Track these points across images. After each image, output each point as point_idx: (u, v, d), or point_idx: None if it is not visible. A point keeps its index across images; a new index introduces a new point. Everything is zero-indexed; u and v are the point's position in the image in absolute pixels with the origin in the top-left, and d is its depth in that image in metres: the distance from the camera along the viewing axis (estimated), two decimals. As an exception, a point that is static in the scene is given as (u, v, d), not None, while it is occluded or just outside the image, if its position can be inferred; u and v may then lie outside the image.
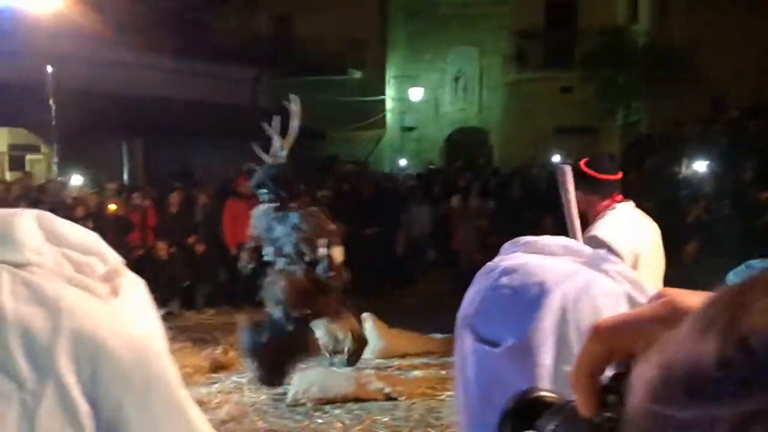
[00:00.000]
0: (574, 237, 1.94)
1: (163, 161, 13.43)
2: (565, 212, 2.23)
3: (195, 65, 15.63)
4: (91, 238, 1.33)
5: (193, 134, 13.51)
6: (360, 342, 5.90)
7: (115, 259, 1.31)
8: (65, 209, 9.91)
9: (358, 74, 20.80)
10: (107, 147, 13.37)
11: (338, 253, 5.49)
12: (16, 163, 14.57)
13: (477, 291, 1.39)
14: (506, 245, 1.50)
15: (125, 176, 14.17)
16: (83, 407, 1.12)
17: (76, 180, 11.10)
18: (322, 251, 5.36)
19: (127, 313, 1.26)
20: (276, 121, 5.84)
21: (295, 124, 5.92)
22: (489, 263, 1.45)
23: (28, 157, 14.79)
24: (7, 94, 11.95)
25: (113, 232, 9.98)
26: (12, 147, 14.54)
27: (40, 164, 14.20)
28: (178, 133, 13.24)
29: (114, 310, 1.24)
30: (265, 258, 5.60)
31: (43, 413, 1.10)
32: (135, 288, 1.33)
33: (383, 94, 21.29)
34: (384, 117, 21.34)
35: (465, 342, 1.31)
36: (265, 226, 5.56)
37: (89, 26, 12.14)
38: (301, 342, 5.53)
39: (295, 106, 5.91)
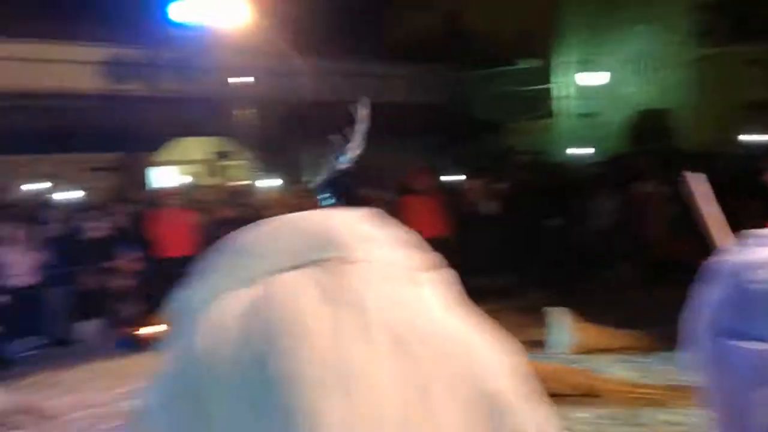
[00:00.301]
0: (715, 248, 1.82)
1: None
2: (699, 224, 2.08)
3: (371, 67, 16.16)
4: (400, 236, 1.48)
5: (374, 134, 13.96)
6: None
7: (423, 254, 1.45)
8: (262, 210, 10.65)
9: (531, 63, 20.47)
10: (299, 151, 14.18)
11: None
12: (215, 170, 15.81)
13: (722, 291, 1.35)
14: (735, 241, 1.45)
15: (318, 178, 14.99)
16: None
17: (271, 182, 11.88)
18: None
19: (437, 303, 1.39)
20: (359, 121, 5.44)
21: (360, 128, 5.43)
22: (723, 261, 1.41)
23: (226, 163, 15.98)
24: (206, 107, 13.04)
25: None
26: (214, 155, 15.80)
27: (237, 170, 15.30)
28: (366, 134, 13.76)
29: (428, 300, 1.38)
30: None
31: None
32: (439, 281, 1.46)
33: (557, 81, 20.80)
34: (558, 104, 20.85)
35: (720, 344, 1.28)
36: None
37: (280, 38, 12.92)
38: None
39: (362, 109, 5.52)
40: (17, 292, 8.66)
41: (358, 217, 1.44)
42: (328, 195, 5.43)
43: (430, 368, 1.29)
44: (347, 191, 5.43)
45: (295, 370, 1.22)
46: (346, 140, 5.41)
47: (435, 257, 1.39)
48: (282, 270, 1.36)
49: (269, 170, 12.38)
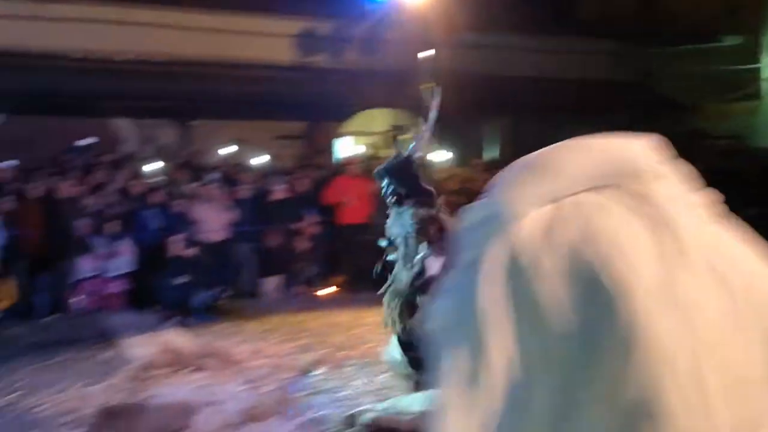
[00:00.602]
0: None
1: (533, 139, 13.76)
2: None
3: (560, 42, 15.64)
4: (684, 173, 1.49)
5: (559, 111, 13.61)
6: None
7: (701, 192, 1.46)
8: (438, 182, 10.73)
9: (733, 40, 18.81)
10: (479, 126, 14.19)
11: (434, 264, 4.66)
12: (393, 142, 16.08)
13: None
14: None
15: (493, 153, 14.89)
16: None
17: (448, 156, 11.94)
18: (417, 258, 4.77)
19: (732, 238, 1.38)
20: (433, 111, 5.24)
21: (431, 117, 5.24)
22: None
23: (402, 136, 16.21)
24: (389, 79, 13.27)
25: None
26: (392, 127, 16.07)
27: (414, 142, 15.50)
28: (545, 111, 13.47)
29: (724, 234, 1.38)
30: (388, 257, 5.09)
31: None
32: (722, 218, 1.46)
33: (761, 60, 18.97)
34: (762, 86, 19.04)
35: None
36: (389, 222, 5.07)
37: (462, 11, 12.83)
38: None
39: (434, 98, 5.33)
40: (208, 246, 9.36)
41: (652, 149, 1.47)
42: (386, 184, 5.20)
43: (742, 298, 1.30)
44: (403, 181, 5.18)
45: (626, 285, 1.25)
46: (420, 128, 5.19)
47: (712, 194, 1.39)
48: (583, 190, 1.39)
49: (447, 144, 12.43)
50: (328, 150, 14.95)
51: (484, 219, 1.46)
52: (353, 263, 9.61)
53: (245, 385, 5.65)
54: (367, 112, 15.68)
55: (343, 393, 5.17)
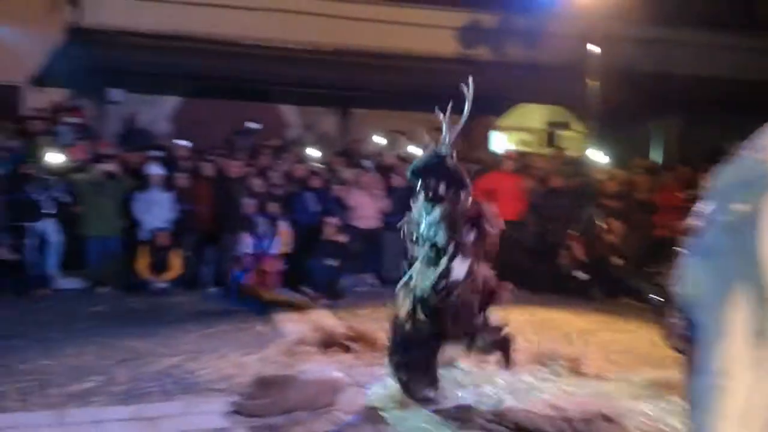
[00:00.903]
0: None
1: (701, 141, 13.01)
2: None
3: (736, 40, 14.61)
4: None
5: (731, 112, 12.73)
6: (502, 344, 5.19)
7: None
8: (595, 183, 10.38)
9: None
10: (643, 125, 13.53)
11: (459, 267, 4.65)
12: (550, 138, 15.71)
13: None
14: None
15: (657, 155, 14.18)
16: None
17: (607, 156, 11.50)
18: (444, 259, 4.67)
19: None
20: (468, 104, 5.06)
21: (466, 110, 5.04)
22: None
23: (562, 133, 15.78)
24: (549, 74, 12.97)
25: (639, 210, 10.12)
26: (549, 124, 15.71)
27: (572, 140, 15.05)
28: (718, 112, 12.66)
29: None
30: (413, 253, 5.05)
31: None
32: None
33: None
34: None
35: None
36: (417, 218, 4.98)
37: (631, 4, 12.31)
38: (432, 352, 4.95)
39: (468, 90, 5.07)
40: (360, 232, 9.60)
41: None
42: (418, 179, 5.05)
43: None
44: (437, 176, 5.03)
45: None
46: (447, 122, 5.12)
47: None
48: None
49: (607, 144, 11.98)
50: (484, 144, 14.86)
51: (750, 176, 1.40)
52: (502, 260, 9.50)
53: (389, 371, 5.74)
54: (524, 106, 15.43)
55: (486, 388, 5.15)
